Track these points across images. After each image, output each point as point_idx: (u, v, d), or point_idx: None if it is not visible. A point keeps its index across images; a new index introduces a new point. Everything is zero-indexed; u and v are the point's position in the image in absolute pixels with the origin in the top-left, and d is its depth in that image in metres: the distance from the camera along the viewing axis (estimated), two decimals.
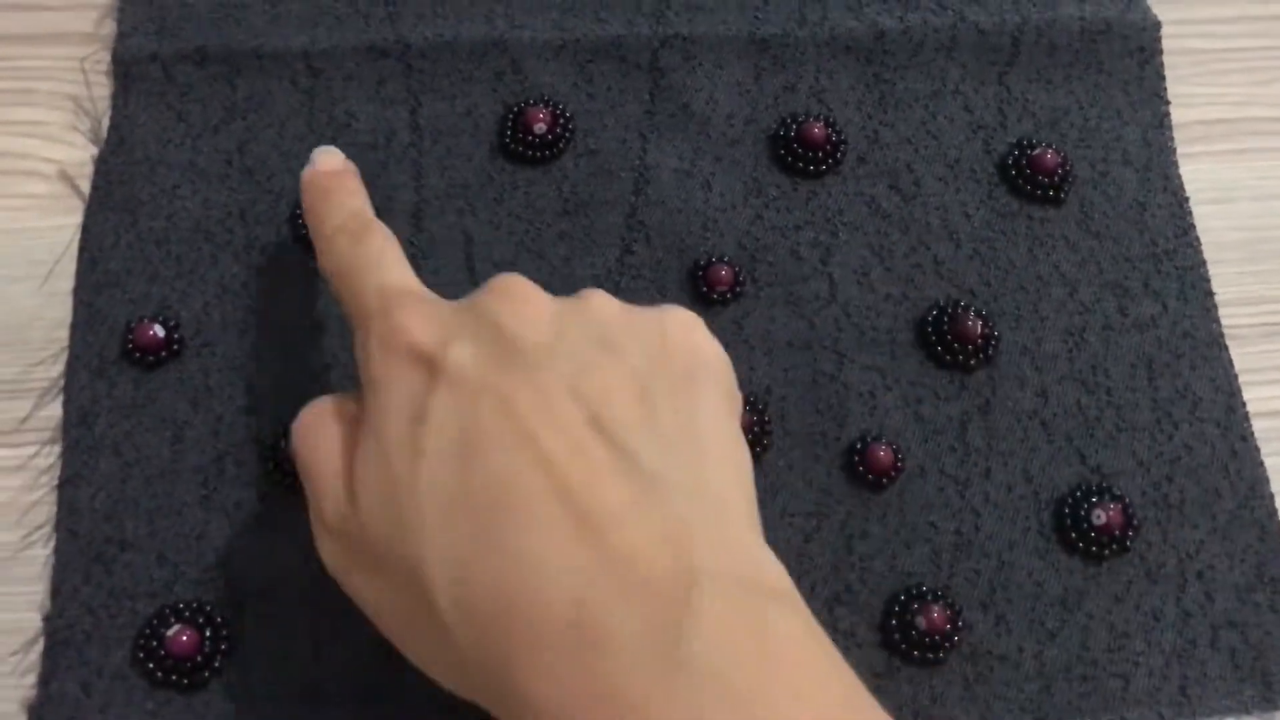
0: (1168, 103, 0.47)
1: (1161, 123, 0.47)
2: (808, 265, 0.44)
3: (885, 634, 0.39)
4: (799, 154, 0.45)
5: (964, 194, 0.45)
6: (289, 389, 0.41)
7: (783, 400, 0.42)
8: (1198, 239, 0.45)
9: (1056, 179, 0.45)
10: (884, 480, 0.41)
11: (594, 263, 0.43)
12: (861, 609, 0.39)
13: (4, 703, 0.37)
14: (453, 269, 0.43)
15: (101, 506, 0.39)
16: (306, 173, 0.37)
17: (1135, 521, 0.40)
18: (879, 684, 0.38)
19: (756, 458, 0.40)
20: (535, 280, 0.42)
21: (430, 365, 0.31)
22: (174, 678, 0.37)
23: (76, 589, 0.38)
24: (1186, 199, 0.46)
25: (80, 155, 0.44)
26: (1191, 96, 0.48)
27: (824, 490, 0.41)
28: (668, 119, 0.46)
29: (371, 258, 0.34)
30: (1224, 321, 0.44)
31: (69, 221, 0.43)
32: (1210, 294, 0.44)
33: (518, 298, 0.32)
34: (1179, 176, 0.46)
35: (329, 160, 0.38)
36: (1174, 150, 0.47)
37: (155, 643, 0.37)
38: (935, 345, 0.43)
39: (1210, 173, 0.46)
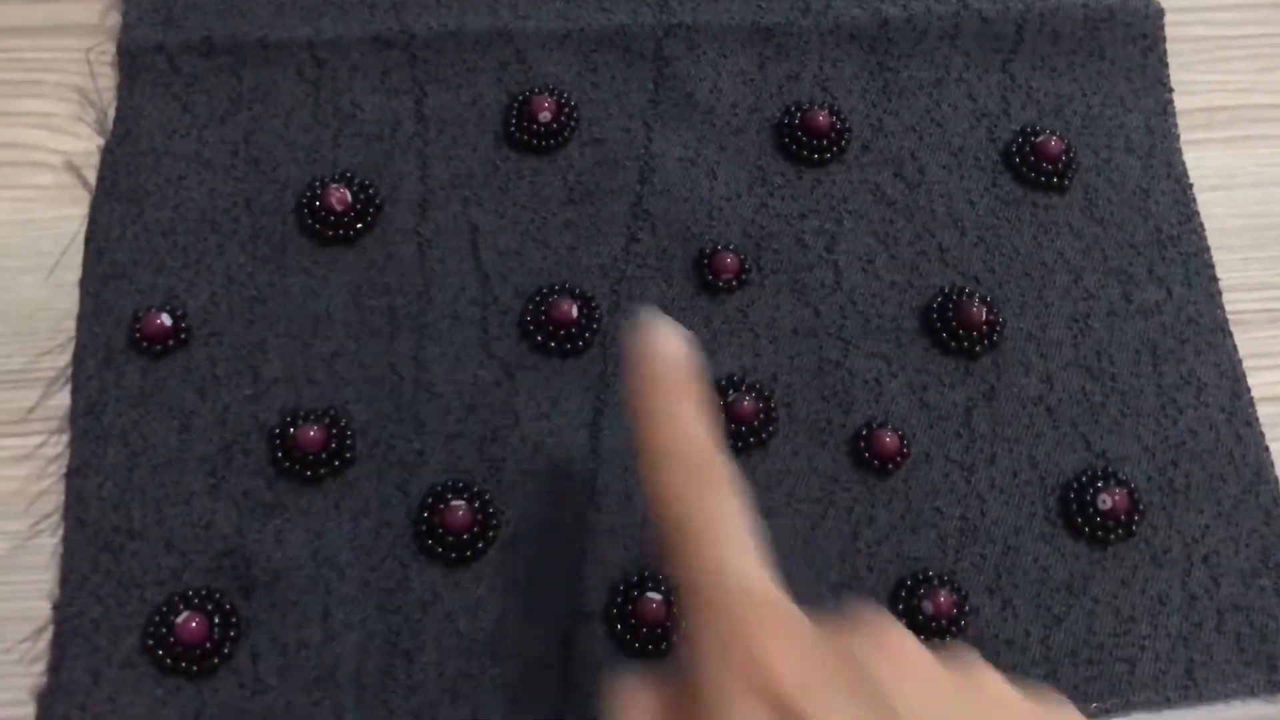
0: (1171, 90, 0.47)
1: (1165, 110, 0.47)
2: (813, 253, 0.44)
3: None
4: (803, 142, 0.45)
5: (968, 181, 0.45)
6: (296, 378, 0.41)
7: (788, 387, 0.42)
8: (1201, 225, 0.45)
9: (1060, 166, 0.45)
10: (890, 466, 0.41)
11: (599, 251, 0.43)
12: (868, 595, 0.39)
13: (14, 690, 0.37)
14: (458, 259, 0.43)
15: (109, 495, 0.39)
16: (642, 342, 0.32)
17: (1140, 506, 0.40)
18: None
19: (762, 444, 0.41)
20: (540, 269, 0.42)
21: (787, 715, 0.25)
22: (183, 665, 0.37)
23: (85, 577, 0.38)
24: (1190, 185, 0.46)
25: (86, 146, 0.44)
26: (1194, 84, 0.48)
27: (830, 477, 0.41)
28: (672, 108, 0.46)
29: (714, 519, 0.29)
30: (1228, 307, 0.44)
31: (75, 212, 0.43)
32: (1214, 280, 0.44)
33: (898, 651, 0.27)
34: (1182, 163, 0.46)
35: (670, 342, 0.32)
36: (1177, 137, 0.47)
37: (164, 630, 0.37)
38: (940, 332, 0.43)
39: (1214, 159, 0.47)
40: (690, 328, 0.42)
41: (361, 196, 0.43)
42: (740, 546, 0.29)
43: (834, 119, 0.46)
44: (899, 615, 0.39)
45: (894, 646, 0.27)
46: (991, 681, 0.28)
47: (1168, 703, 0.38)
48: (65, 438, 0.40)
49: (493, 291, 0.43)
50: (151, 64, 0.45)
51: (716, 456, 0.30)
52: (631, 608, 0.38)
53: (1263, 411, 0.42)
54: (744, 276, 0.43)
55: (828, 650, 0.26)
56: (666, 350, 0.32)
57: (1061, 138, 0.45)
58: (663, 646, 0.38)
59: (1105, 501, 0.40)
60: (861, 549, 0.40)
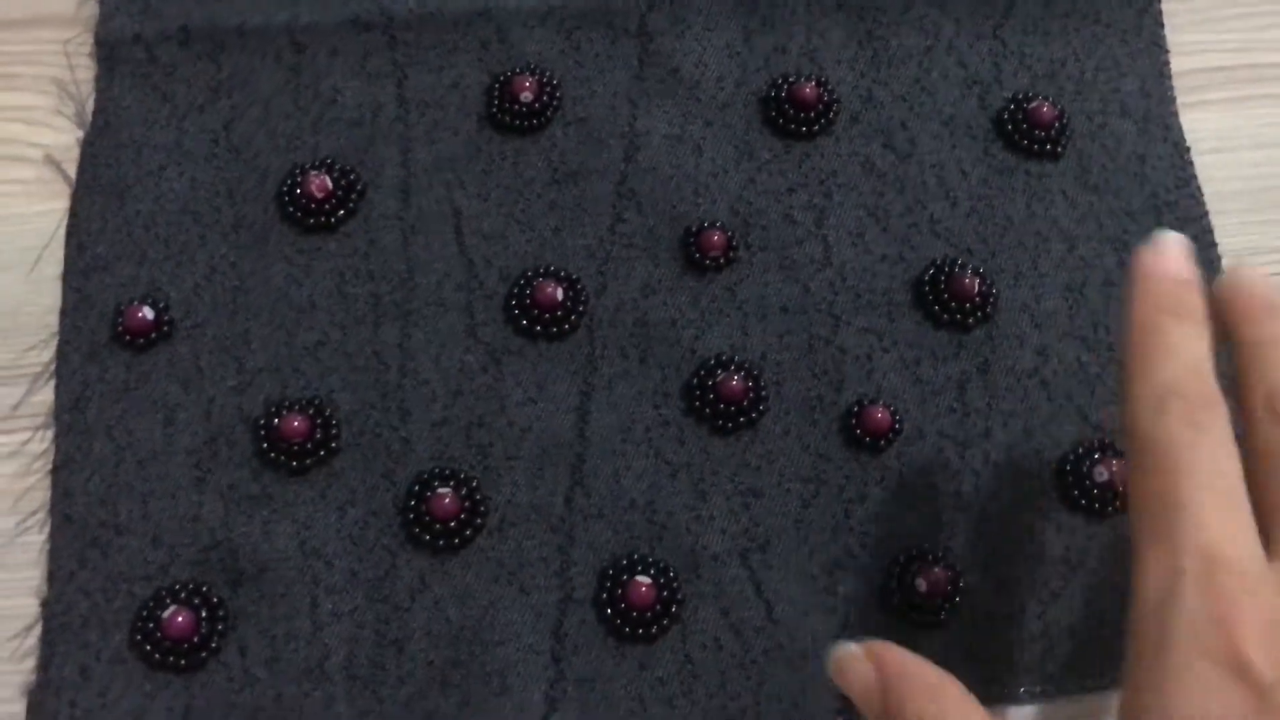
0: (1166, 51, 0.46)
1: (1160, 72, 0.46)
2: (801, 228, 0.43)
3: (885, 597, 0.38)
4: (791, 115, 0.45)
5: (960, 151, 0.45)
6: (280, 368, 0.41)
7: (778, 366, 0.41)
8: (1199, 190, 0.44)
9: (1054, 133, 0.44)
10: (882, 443, 0.40)
11: (585, 232, 0.43)
12: (861, 573, 0.39)
13: (3, 688, 0.37)
14: (442, 242, 0.43)
15: (95, 490, 0.39)
16: (1149, 259, 0.31)
17: None
18: None
19: (751, 424, 0.40)
20: (525, 252, 0.42)
21: (1260, 693, 0.25)
22: (172, 659, 0.37)
23: (73, 573, 0.38)
24: (1187, 149, 0.45)
25: (66, 139, 0.44)
26: (1190, 45, 0.47)
27: (822, 455, 0.40)
28: (657, 84, 0.45)
29: (1204, 468, 0.28)
30: None
31: (56, 206, 0.43)
32: (1213, 245, 0.44)
33: None
34: (1179, 126, 0.45)
35: (1176, 255, 0.31)
36: (1173, 100, 0.46)
37: (152, 625, 0.37)
38: (933, 305, 0.42)
39: (1211, 122, 0.46)
40: (677, 308, 0.42)
41: (343, 183, 0.43)
42: (1229, 508, 0.27)
43: (822, 90, 0.45)
44: (892, 594, 0.38)
45: None
46: None
47: None
48: (50, 433, 0.40)
49: (477, 276, 0.42)
50: (129, 54, 0.45)
51: (1218, 395, 0.28)
52: (621, 592, 0.38)
53: None
54: (732, 254, 0.43)
55: None
56: (1173, 257, 0.30)
57: (1054, 104, 0.45)
58: (653, 630, 0.38)
59: (1102, 474, 0.39)
60: (854, 527, 0.39)
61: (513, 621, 0.38)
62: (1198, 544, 0.26)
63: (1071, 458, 0.40)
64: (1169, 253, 0.31)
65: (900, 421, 0.40)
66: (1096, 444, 0.40)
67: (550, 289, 0.41)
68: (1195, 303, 0.31)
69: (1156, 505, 0.27)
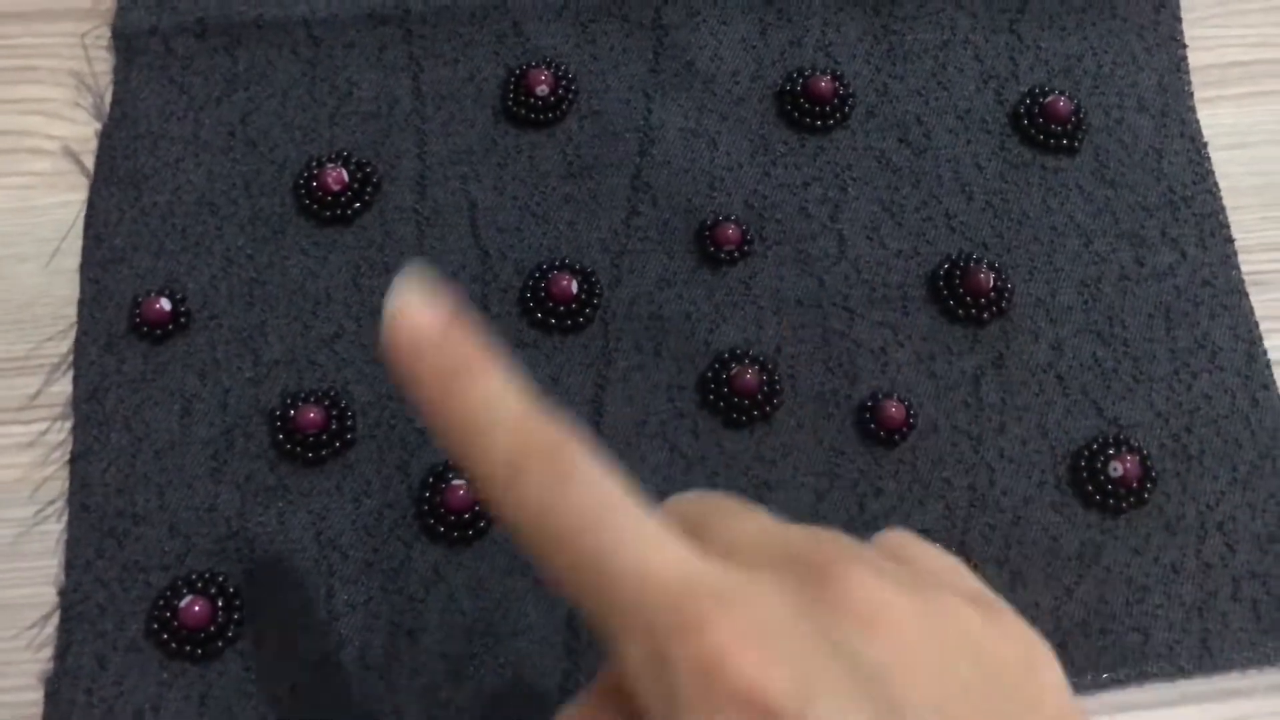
0: (1184, 46, 0.46)
1: (1178, 67, 0.46)
2: (816, 222, 0.43)
3: None
4: (806, 109, 0.44)
5: (975, 145, 0.44)
6: (296, 360, 0.41)
7: (793, 359, 0.41)
8: (1216, 185, 0.44)
9: (1070, 127, 0.44)
10: (896, 437, 0.40)
11: (600, 225, 0.43)
12: None
13: (21, 676, 0.37)
14: (457, 235, 0.43)
15: (113, 481, 0.39)
16: (393, 328, 0.24)
17: (1153, 473, 0.39)
18: None
19: (766, 418, 0.40)
20: (540, 245, 0.42)
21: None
22: (188, 649, 0.37)
23: (90, 563, 0.38)
24: (1204, 144, 0.45)
25: (84, 131, 0.44)
26: (1208, 39, 0.47)
27: (836, 449, 0.40)
28: (672, 77, 0.45)
29: (602, 507, 0.22)
30: (1244, 268, 0.43)
31: (74, 198, 0.43)
32: (1230, 240, 0.43)
33: (880, 617, 0.22)
34: (1196, 121, 0.45)
35: (415, 305, 0.24)
36: (1191, 95, 0.45)
37: (168, 614, 0.37)
38: (947, 300, 0.42)
39: (1228, 116, 0.45)
40: (692, 301, 0.42)
41: (359, 175, 0.43)
42: (647, 530, 0.22)
43: (837, 84, 0.45)
44: None
45: (879, 616, 0.22)
46: (951, 601, 0.23)
47: (1182, 673, 0.38)
48: (68, 424, 0.40)
49: (492, 269, 0.42)
50: (147, 47, 0.45)
51: (557, 428, 0.23)
52: None
53: None
54: (746, 247, 0.43)
55: (811, 639, 0.21)
56: (418, 310, 0.24)
57: (1071, 98, 0.44)
58: None
59: (1117, 469, 0.39)
60: (868, 521, 0.39)
61: (527, 613, 0.38)
62: (640, 576, 0.21)
63: (1086, 453, 0.40)
64: (411, 311, 0.24)
65: (914, 416, 0.40)
66: (1111, 439, 0.40)
67: (565, 282, 0.41)
68: (468, 348, 0.24)
69: (591, 580, 0.22)
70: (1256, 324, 0.42)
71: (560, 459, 0.23)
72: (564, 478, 0.23)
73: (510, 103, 0.44)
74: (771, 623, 0.21)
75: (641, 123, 0.44)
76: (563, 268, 0.42)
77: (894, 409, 0.40)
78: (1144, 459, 0.40)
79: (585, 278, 0.42)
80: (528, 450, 0.23)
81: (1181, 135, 0.45)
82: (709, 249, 0.42)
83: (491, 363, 0.24)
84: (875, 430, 0.40)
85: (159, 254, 0.42)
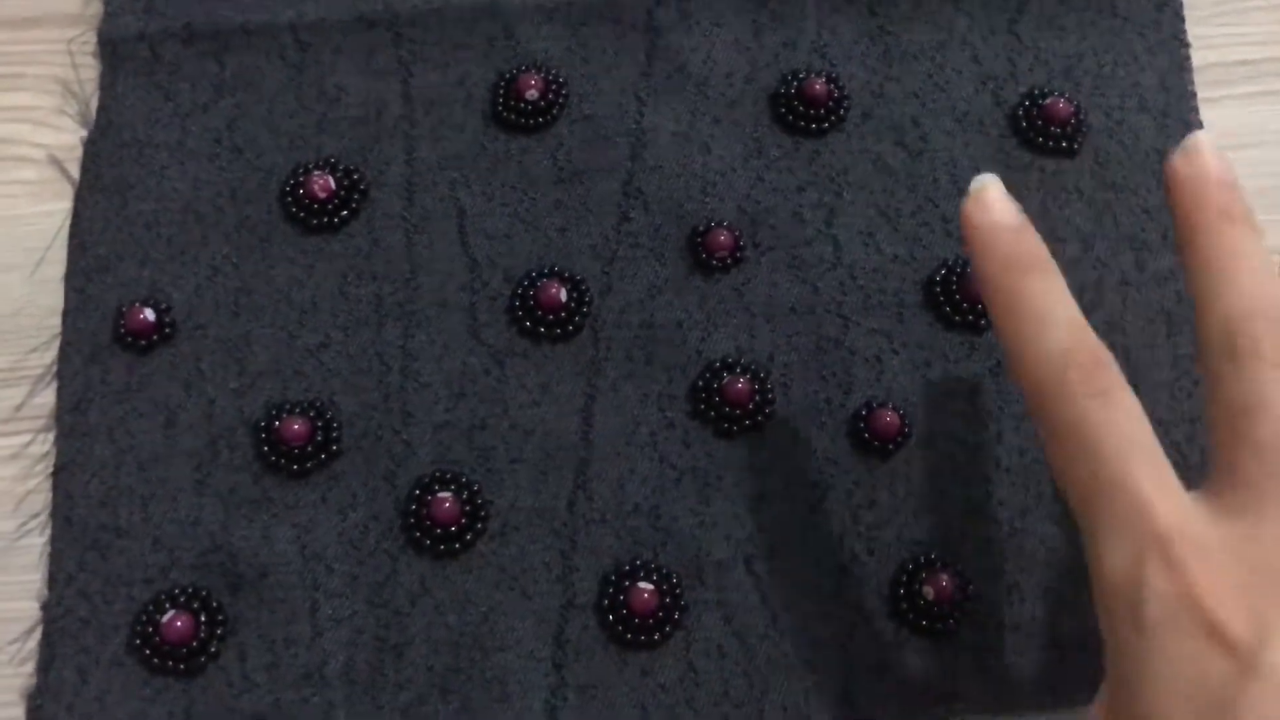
0: (1187, 45, 0.45)
1: (1181, 66, 0.45)
2: (811, 227, 0.43)
3: (893, 605, 0.38)
4: (801, 112, 0.44)
5: (973, 148, 0.44)
6: (281, 370, 0.40)
7: (786, 368, 0.41)
8: None
9: (1069, 129, 0.43)
10: (890, 447, 0.39)
11: (590, 232, 0.42)
12: (868, 580, 0.38)
13: (3, 691, 0.37)
14: (446, 243, 0.42)
15: (96, 493, 0.39)
16: (973, 214, 0.31)
17: None
18: (886, 657, 0.37)
19: (757, 428, 0.40)
20: (530, 253, 0.41)
21: (1241, 656, 0.25)
22: (170, 664, 0.37)
23: (72, 576, 0.38)
24: None
25: (69, 139, 0.44)
26: (1212, 38, 0.46)
27: (829, 459, 0.39)
28: (664, 80, 0.45)
29: (1124, 441, 0.28)
30: None
31: (59, 207, 0.43)
32: None
33: None
34: (1199, 122, 0.44)
35: (999, 201, 0.31)
36: (1193, 95, 0.44)
37: (151, 629, 0.37)
38: (944, 306, 0.41)
39: (1232, 118, 0.44)
40: (683, 309, 0.41)
41: (346, 183, 0.42)
42: (1157, 468, 0.28)
43: (832, 87, 0.44)
44: (899, 600, 0.38)
45: None
46: None
47: None
48: (52, 436, 0.40)
49: (481, 277, 0.42)
50: (133, 53, 0.45)
51: (1103, 350, 0.29)
52: (624, 598, 0.37)
53: None
54: (739, 254, 0.42)
55: (1266, 577, 0.26)
56: (1002, 208, 0.31)
57: (1070, 99, 0.44)
58: (655, 637, 0.37)
59: None
60: (861, 533, 0.39)
61: (514, 627, 0.38)
62: (1145, 525, 0.27)
63: None
64: (993, 203, 0.31)
65: (909, 425, 0.40)
66: None
67: (554, 290, 0.41)
68: (1039, 249, 0.30)
69: (1091, 490, 0.28)
70: None
71: (1104, 374, 0.28)
72: (1105, 394, 0.28)
73: (500, 107, 0.44)
74: (1240, 575, 0.26)
75: (633, 127, 0.44)
76: (552, 275, 0.41)
77: (889, 418, 0.39)
78: None
79: (575, 285, 0.41)
80: (1078, 353, 0.28)
81: (1184, 137, 0.44)
82: (701, 255, 0.42)
83: (1056, 267, 0.29)
84: (869, 440, 0.39)
85: (144, 263, 0.42)
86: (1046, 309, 0.29)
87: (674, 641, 0.37)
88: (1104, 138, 0.44)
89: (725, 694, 0.37)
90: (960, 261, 0.42)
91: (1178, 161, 0.31)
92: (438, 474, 0.39)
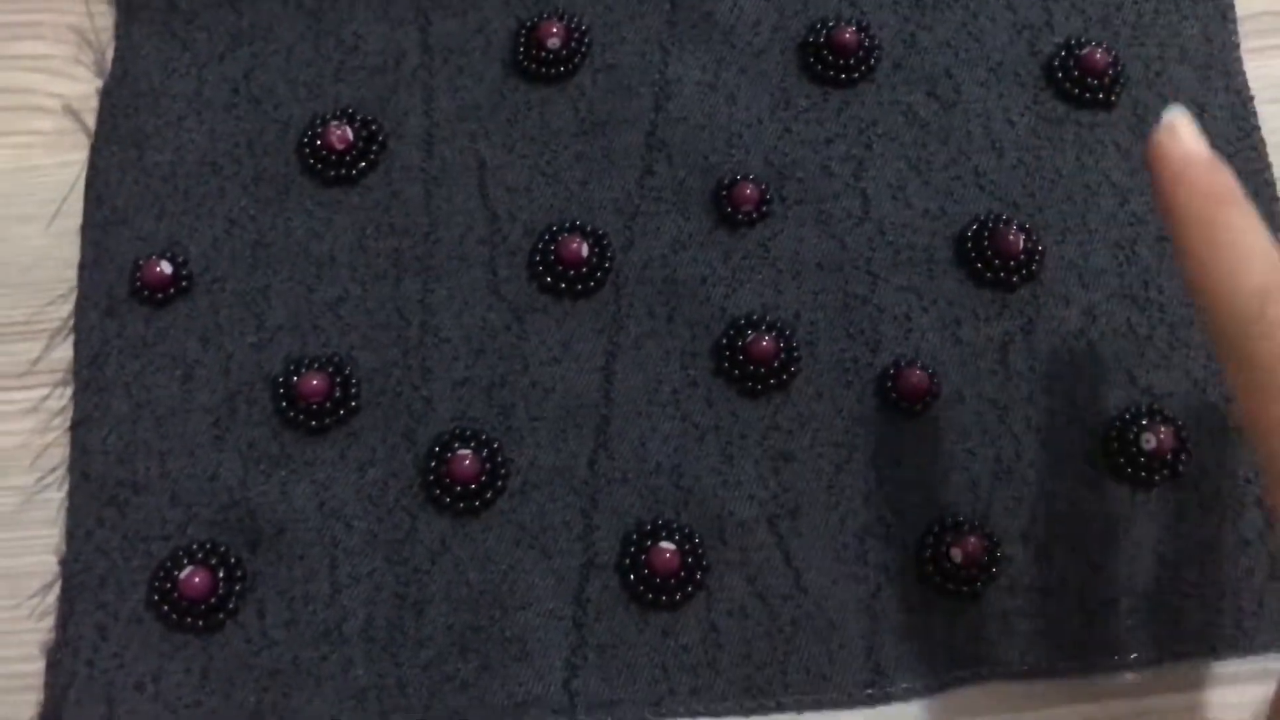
0: None
1: (1224, 15, 0.43)
2: (839, 181, 0.41)
3: (921, 567, 0.37)
4: (829, 62, 0.43)
5: (1007, 99, 0.42)
6: (300, 324, 0.40)
7: (812, 325, 0.40)
8: (1262, 141, 0.42)
9: (1107, 80, 0.42)
10: (919, 406, 0.39)
11: (613, 185, 0.41)
12: (895, 541, 0.37)
13: (23, 646, 0.37)
14: (465, 196, 0.41)
15: (113, 448, 0.39)
16: (1169, 145, 0.30)
17: (1188, 445, 0.38)
18: (913, 620, 0.37)
19: (783, 386, 0.39)
20: (550, 206, 0.40)
21: None
22: (189, 620, 0.37)
23: (90, 532, 0.38)
24: (1250, 98, 0.42)
25: (85, 89, 0.43)
26: None
27: (855, 418, 0.39)
28: (689, 29, 0.43)
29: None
30: None
31: (76, 158, 0.42)
32: (1276, 199, 0.41)
33: None
34: (1243, 74, 0.43)
35: (1193, 135, 0.30)
36: (1237, 45, 0.43)
37: (169, 585, 0.37)
38: (975, 263, 0.40)
39: (1277, 68, 0.43)
40: (707, 264, 0.40)
41: (364, 134, 0.42)
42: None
43: (862, 35, 0.43)
44: (926, 563, 0.37)
45: None
46: None
47: (1214, 654, 0.36)
48: (69, 390, 0.39)
49: (501, 231, 0.41)
50: (149, 1, 0.44)
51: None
52: (645, 558, 0.37)
53: None
54: (765, 208, 0.41)
55: None
56: (1200, 152, 0.30)
57: (1109, 49, 0.42)
58: (677, 597, 0.37)
59: (1149, 441, 0.37)
60: (888, 493, 0.38)
61: (534, 586, 0.37)
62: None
63: (1118, 424, 0.38)
64: (1185, 134, 0.30)
65: (938, 383, 0.39)
66: (1144, 409, 0.38)
67: (575, 245, 0.40)
68: (1235, 183, 0.29)
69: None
70: None
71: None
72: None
73: (520, 56, 0.43)
74: None
75: (657, 77, 0.43)
76: (573, 229, 0.40)
77: (917, 377, 0.38)
78: (1178, 430, 0.38)
79: (597, 240, 0.40)
80: (1278, 290, 0.27)
81: (1226, 88, 0.42)
82: (726, 209, 0.41)
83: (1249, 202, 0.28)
84: (897, 399, 0.39)
85: (161, 215, 0.41)
86: (1247, 244, 0.28)
87: (695, 602, 0.37)
88: (1142, 89, 0.42)
89: (748, 655, 0.36)
90: (992, 217, 0.40)
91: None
92: (457, 431, 0.38)
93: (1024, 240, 0.40)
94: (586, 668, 0.36)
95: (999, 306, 0.40)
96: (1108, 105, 0.42)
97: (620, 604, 0.37)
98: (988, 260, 0.40)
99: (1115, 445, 0.38)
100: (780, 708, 0.36)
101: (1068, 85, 0.42)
